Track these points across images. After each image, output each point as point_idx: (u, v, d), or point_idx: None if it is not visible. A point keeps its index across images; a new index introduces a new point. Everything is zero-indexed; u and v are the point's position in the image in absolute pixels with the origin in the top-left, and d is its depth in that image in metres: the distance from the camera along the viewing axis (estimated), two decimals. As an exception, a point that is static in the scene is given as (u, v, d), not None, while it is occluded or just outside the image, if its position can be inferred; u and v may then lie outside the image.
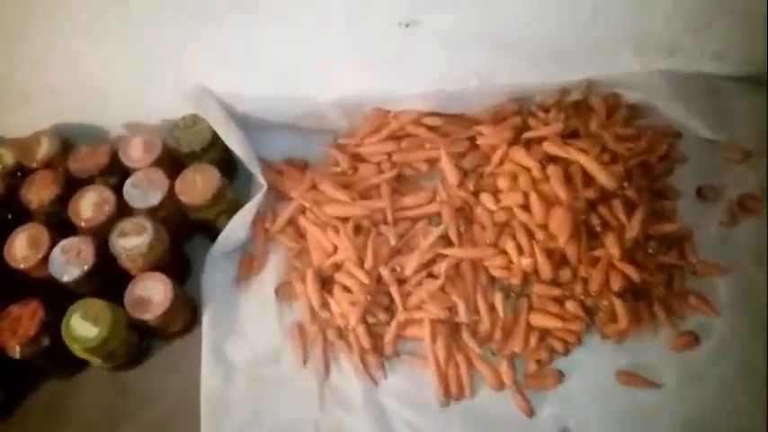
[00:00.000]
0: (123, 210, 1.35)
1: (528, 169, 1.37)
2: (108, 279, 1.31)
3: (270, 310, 1.41)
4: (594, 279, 1.32)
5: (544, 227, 1.32)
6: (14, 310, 1.27)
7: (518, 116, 1.48)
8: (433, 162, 1.49)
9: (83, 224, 1.47)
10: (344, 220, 1.42)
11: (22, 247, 1.32)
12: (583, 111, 1.47)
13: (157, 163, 1.53)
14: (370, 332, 1.35)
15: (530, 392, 1.30)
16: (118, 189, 1.47)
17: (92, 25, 1.27)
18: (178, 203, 1.49)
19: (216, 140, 1.46)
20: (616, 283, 1.31)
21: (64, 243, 1.42)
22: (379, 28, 1.34)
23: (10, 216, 1.37)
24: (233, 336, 1.38)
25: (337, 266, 1.41)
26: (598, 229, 1.35)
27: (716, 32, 1.40)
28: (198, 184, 1.49)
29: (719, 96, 1.49)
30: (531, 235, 1.34)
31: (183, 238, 1.49)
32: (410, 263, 1.36)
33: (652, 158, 1.46)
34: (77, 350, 1.34)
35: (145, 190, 1.48)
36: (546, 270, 1.32)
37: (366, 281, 1.34)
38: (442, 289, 1.35)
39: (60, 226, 1.36)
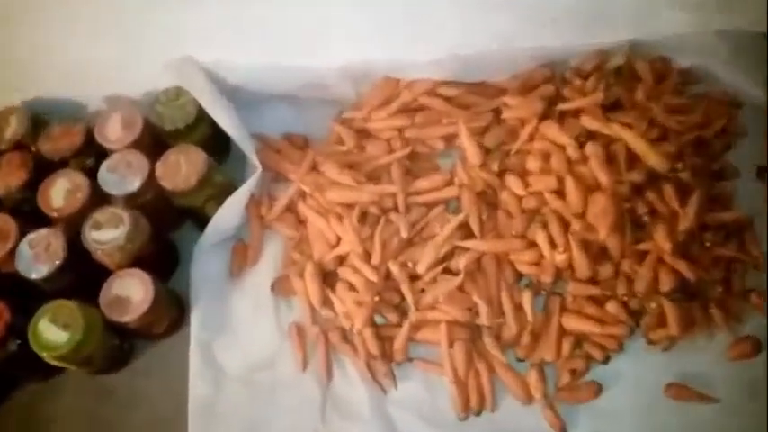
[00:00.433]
0: (98, 197, 1.21)
1: (562, 147, 1.21)
2: (82, 276, 1.17)
3: (266, 308, 1.29)
4: (641, 277, 1.15)
5: (581, 216, 1.17)
6: (-22, 312, 1.10)
7: (550, 84, 1.30)
8: (450, 139, 1.34)
9: (54, 214, 1.30)
10: (349, 206, 1.28)
11: (-13, 241, 1.14)
12: (626, 78, 1.29)
13: (137, 143, 1.37)
14: (378, 335, 1.21)
15: (562, 407, 1.16)
16: (94, 172, 1.30)
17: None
18: (160, 189, 1.32)
19: (203, 116, 1.32)
20: (666, 282, 1.15)
21: (32, 236, 1.26)
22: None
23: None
24: (224, 337, 1.27)
25: (341, 260, 1.27)
26: (645, 218, 1.19)
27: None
28: (182, 168, 1.31)
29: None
30: (565, 225, 1.18)
31: (169, 228, 1.35)
32: (424, 257, 1.21)
33: (708, 133, 1.27)
34: (47, 358, 1.19)
35: (122, 175, 1.32)
36: (583, 266, 1.16)
37: (373, 278, 1.20)
38: (461, 287, 1.21)
39: (31, 216, 1.20)
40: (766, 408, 1.07)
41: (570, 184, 1.17)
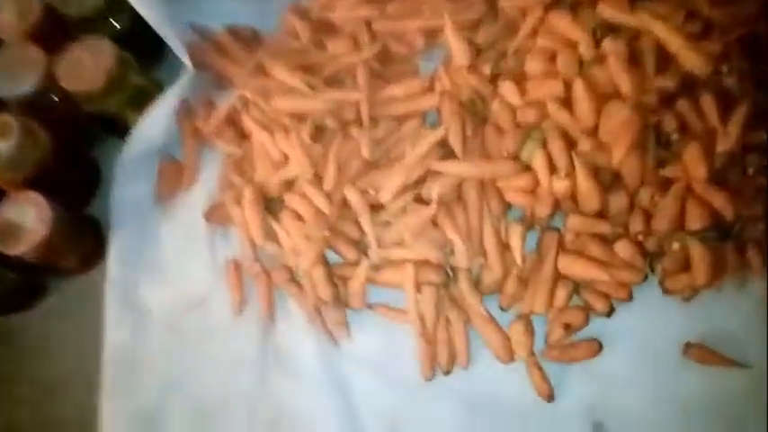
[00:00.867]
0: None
1: (573, 44, 1.01)
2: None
3: (199, 241, 1.12)
4: (663, 211, 0.97)
5: (592, 132, 0.97)
6: None
7: (561, -37, 1.08)
8: (432, 35, 1.14)
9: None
10: (300, 117, 1.08)
11: None
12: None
13: (33, 34, 1.11)
14: (330, 276, 1.04)
15: (551, 367, 0.98)
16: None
17: None
18: (64, 92, 1.05)
19: (120, 2, 1.07)
20: (696, 219, 0.96)
21: None
22: None
23: None
24: (148, 273, 1.12)
25: (289, 184, 1.09)
26: (674, 136, 0.99)
27: None
28: (86, 65, 1.05)
29: None
30: (570, 144, 0.99)
31: (82, 141, 1.11)
32: (390, 182, 1.02)
33: (762, 29, 1.03)
34: None
35: (13, 73, 1.08)
36: (590, 196, 0.97)
37: (325, 207, 1.03)
38: (434, 220, 1.02)
39: None
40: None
41: (580, 91, 0.97)
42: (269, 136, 1.10)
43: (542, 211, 1.00)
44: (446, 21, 1.07)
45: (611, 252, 0.99)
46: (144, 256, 1.13)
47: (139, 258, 1.12)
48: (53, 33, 1.12)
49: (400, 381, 1.01)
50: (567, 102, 0.99)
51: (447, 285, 1.02)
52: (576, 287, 1.00)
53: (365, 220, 1.04)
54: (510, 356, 1.00)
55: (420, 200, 1.04)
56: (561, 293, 0.99)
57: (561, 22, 1.02)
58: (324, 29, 1.17)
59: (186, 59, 1.13)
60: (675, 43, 0.97)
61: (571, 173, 0.97)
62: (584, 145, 0.97)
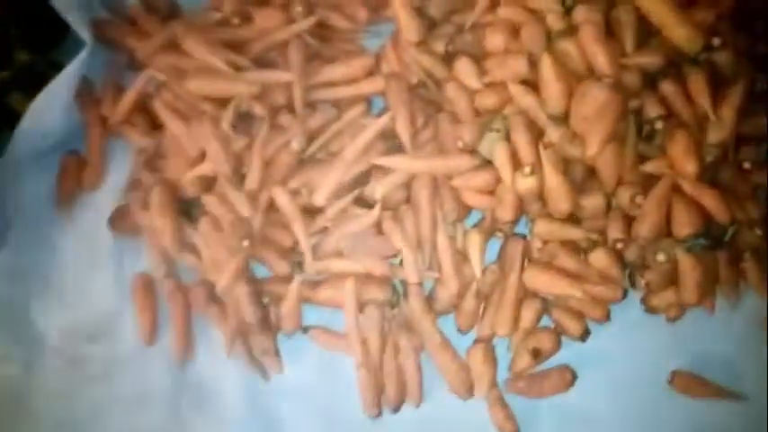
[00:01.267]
0: None
1: (539, 15, 0.91)
2: None
3: (103, 253, 1.02)
4: (646, 214, 0.87)
5: (562, 119, 0.87)
6: None
7: None
8: (378, 6, 1.04)
9: None
10: (221, 103, 0.96)
11: None
12: None
13: None
14: (257, 294, 0.93)
15: (517, 402, 0.90)
16: None
17: None
18: None
19: None
20: (685, 223, 0.86)
21: None
22: None
23: None
24: (43, 293, 1.00)
25: (208, 184, 0.96)
26: (658, 124, 0.89)
27: None
28: None
29: None
30: (536, 134, 0.90)
31: None
32: (326, 181, 0.92)
33: None
34: None
35: None
36: (560, 196, 0.87)
37: (247, 211, 0.91)
38: (379, 226, 0.93)
39: None
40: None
41: (547, 69, 0.87)
42: (184, 125, 0.97)
43: (505, 214, 0.91)
44: None
45: (585, 263, 0.91)
46: (38, 271, 1.01)
47: (32, 275, 1.01)
48: None
49: (340, 419, 0.92)
50: (532, 84, 0.90)
51: (395, 304, 0.93)
52: (546, 305, 0.92)
53: (297, 226, 0.93)
54: (469, 390, 0.90)
55: (362, 202, 0.94)
56: (528, 313, 0.91)
57: None
58: None
59: (85, 32, 1.02)
60: (660, 13, 0.88)
61: (538, 169, 0.87)
62: (553, 135, 0.88)
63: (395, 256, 0.92)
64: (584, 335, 0.89)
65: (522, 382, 0.88)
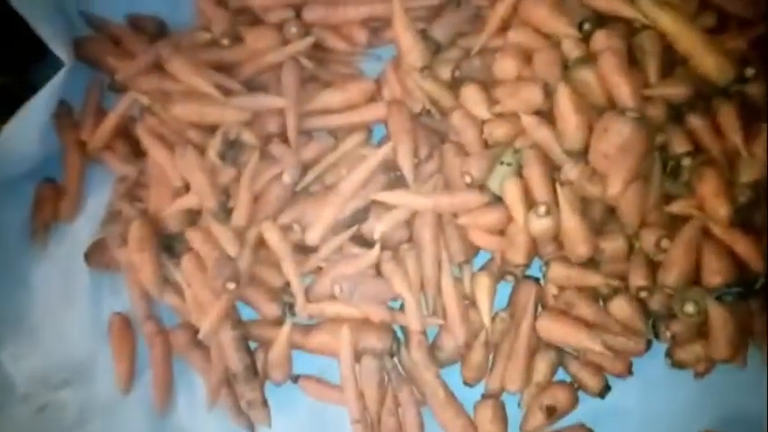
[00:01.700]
0: None
1: (554, 40, 0.85)
2: None
3: (80, 290, 0.96)
4: (673, 260, 0.80)
5: (580, 155, 0.82)
6: None
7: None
8: (378, 28, 0.99)
9: None
10: (208, 129, 0.90)
11: None
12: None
13: None
14: (244, 339, 0.87)
15: None
16: None
17: None
18: None
19: None
20: (717, 272, 0.80)
21: None
22: None
23: None
24: (12, 334, 0.95)
25: (191, 217, 0.90)
26: (686, 161, 0.83)
27: None
28: None
29: None
30: (551, 169, 0.84)
31: None
32: (321, 218, 0.86)
33: None
34: None
35: None
36: (578, 238, 0.81)
37: (232, 249, 0.84)
38: (378, 267, 0.86)
39: None
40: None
41: (565, 101, 0.80)
42: (167, 153, 0.91)
43: (517, 257, 0.84)
44: (395, 6, 0.90)
45: (605, 312, 0.84)
46: (7, 309, 0.96)
47: (1, 314, 0.96)
48: None
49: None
50: (547, 115, 0.83)
51: (395, 353, 0.87)
52: (561, 357, 0.85)
53: (288, 265, 0.87)
54: None
55: (360, 240, 0.88)
56: (541, 366, 0.85)
57: (538, 11, 0.87)
58: (244, 18, 0.99)
59: (63, 51, 0.96)
60: (687, 40, 0.82)
61: (553, 208, 0.80)
62: (571, 172, 0.80)
63: (395, 299, 0.85)
64: (604, 391, 0.83)
65: (534, 442, 0.81)
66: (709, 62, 0.80)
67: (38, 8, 0.93)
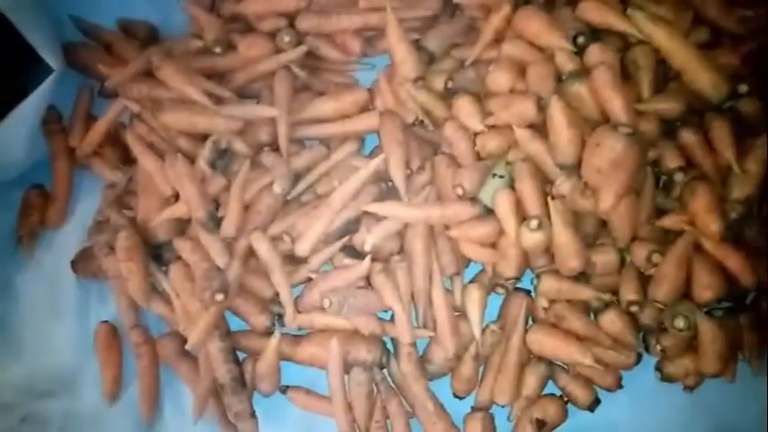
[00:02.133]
0: None
1: (548, 53, 0.84)
2: None
3: (67, 298, 0.95)
4: (664, 275, 0.80)
5: (573, 169, 0.81)
6: None
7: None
8: (373, 37, 0.98)
9: None
10: (198, 138, 0.89)
11: None
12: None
13: None
14: (232, 350, 0.85)
15: None
16: None
17: None
18: None
19: None
20: (707, 287, 0.79)
21: None
22: None
23: None
24: None
25: (180, 226, 0.89)
26: (677, 176, 0.83)
27: None
28: None
29: None
30: (544, 182, 0.83)
31: None
32: (311, 230, 0.84)
33: None
34: None
35: None
36: (569, 252, 0.80)
37: (221, 260, 0.83)
38: (368, 279, 0.85)
39: None
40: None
41: (558, 115, 0.80)
42: (157, 161, 0.89)
43: (508, 270, 0.83)
44: (389, 17, 0.89)
45: (596, 326, 0.83)
46: None
47: None
48: None
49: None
50: (540, 128, 0.82)
51: (384, 365, 0.84)
52: (551, 370, 0.84)
53: (278, 276, 0.85)
54: None
55: (351, 251, 0.87)
56: (531, 379, 0.84)
57: (532, 24, 0.85)
58: (237, 26, 0.98)
59: (52, 57, 0.94)
60: (681, 55, 0.81)
61: (545, 222, 0.78)
62: (563, 186, 0.80)
63: (385, 311, 0.84)
64: (593, 404, 0.82)
65: (523, 456, 0.80)
66: (702, 78, 0.79)
67: (27, 13, 0.92)
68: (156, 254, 0.88)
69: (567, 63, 0.81)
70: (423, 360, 0.83)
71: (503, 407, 0.83)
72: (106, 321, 0.91)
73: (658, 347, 0.81)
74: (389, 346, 0.85)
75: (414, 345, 0.83)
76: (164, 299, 0.87)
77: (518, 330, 0.81)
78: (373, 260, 0.82)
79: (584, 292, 0.80)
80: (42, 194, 0.97)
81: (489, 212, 0.82)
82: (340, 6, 0.95)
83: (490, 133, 0.84)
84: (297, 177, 0.87)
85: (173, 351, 0.86)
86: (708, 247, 0.78)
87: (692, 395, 0.82)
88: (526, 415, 0.81)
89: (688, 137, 0.81)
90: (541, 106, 0.80)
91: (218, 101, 0.90)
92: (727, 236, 0.78)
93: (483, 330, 0.82)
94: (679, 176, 0.80)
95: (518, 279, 0.83)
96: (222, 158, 0.88)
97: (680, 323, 0.76)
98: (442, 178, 0.85)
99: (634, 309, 0.79)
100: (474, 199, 0.83)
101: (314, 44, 0.95)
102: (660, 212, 0.82)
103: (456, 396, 0.84)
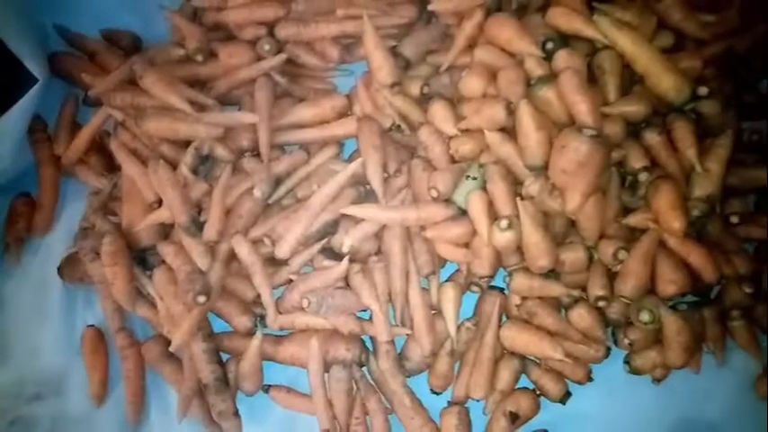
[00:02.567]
0: None
1: (518, 59, 0.85)
2: None
3: (53, 303, 0.95)
4: (630, 271, 0.82)
5: (541, 170, 0.82)
6: None
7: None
8: (350, 43, 1.00)
9: None
10: (181, 144, 0.91)
11: None
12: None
13: None
14: (215, 351, 0.86)
15: None
16: None
17: None
18: None
19: None
20: (671, 282, 0.80)
21: None
22: None
23: None
24: None
25: (164, 230, 0.91)
26: (642, 176, 0.84)
27: None
28: None
29: None
30: (514, 183, 0.85)
31: None
32: (290, 233, 0.85)
33: (743, 45, 0.91)
34: None
35: None
36: (539, 250, 0.81)
37: (203, 262, 0.84)
38: (347, 279, 0.86)
39: None
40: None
41: (526, 119, 0.81)
42: (140, 167, 0.90)
43: (481, 269, 0.85)
44: (366, 25, 0.90)
45: (566, 321, 0.84)
46: None
47: None
48: None
49: (303, 486, 0.84)
50: (511, 131, 0.83)
51: (363, 363, 0.86)
52: (524, 365, 0.86)
53: (259, 278, 0.87)
54: None
55: (330, 253, 0.88)
56: (505, 373, 0.85)
57: (503, 31, 0.87)
58: (219, 34, 1.00)
59: (37, 67, 0.95)
60: (645, 59, 0.83)
61: (515, 221, 0.81)
62: (532, 187, 0.82)
63: (364, 310, 0.85)
64: (565, 397, 0.84)
65: (497, 448, 0.82)
66: (664, 81, 0.81)
67: (12, 24, 0.93)
68: (140, 258, 0.89)
69: (536, 68, 0.83)
70: (400, 357, 0.84)
71: (478, 401, 0.84)
72: (92, 325, 0.91)
73: (626, 341, 0.82)
74: (368, 344, 0.86)
75: (392, 343, 0.84)
76: (148, 302, 0.89)
77: (492, 327, 0.83)
78: (351, 261, 0.84)
79: (555, 289, 0.82)
80: (29, 202, 0.98)
81: (463, 213, 0.84)
82: (318, 15, 0.96)
83: (463, 137, 0.85)
84: (277, 182, 0.89)
85: (158, 353, 0.87)
86: (671, 243, 0.80)
87: (660, 386, 0.84)
88: (500, 408, 0.82)
89: (652, 138, 0.83)
90: (511, 110, 0.81)
91: (200, 108, 0.91)
92: (690, 233, 0.80)
93: (458, 328, 0.84)
94: (644, 176, 0.82)
95: (491, 277, 0.84)
96: (204, 164, 0.89)
97: (645, 317, 0.78)
98: (418, 181, 0.87)
99: (602, 304, 0.81)
100: (448, 201, 0.85)
101: (293, 52, 0.97)
102: (626, 211, 0.83)
103: (433, 392, 0.85)
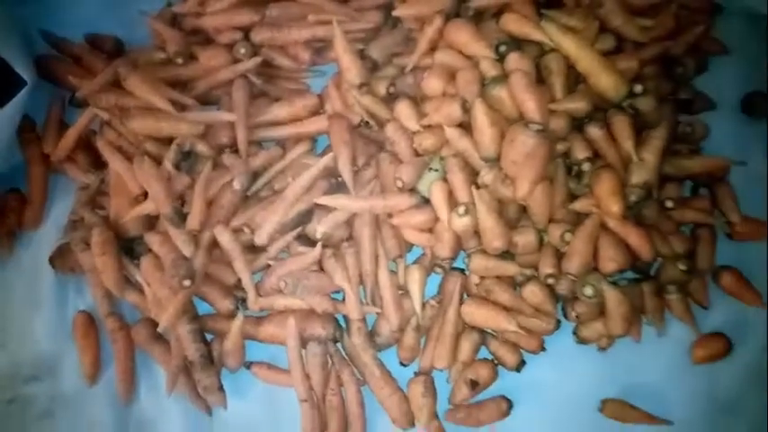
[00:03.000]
0: None
1: (474, 61, 0.92)
2: None
3: (45, 292, 0.99)
4: (574, 251, 0.88)
5: (495, 162, 0.89)
6: None
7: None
8: (321, 47, 1.05)
9: None
10: (164, 141, 0.96)
11: None
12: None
13: None
14: (200, 331, 0.92)
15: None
16: None
17: None
18: None
19: None
20: (611, 259, 0.88)
21: None
22: None
23: None
24: None
25: (150, 221, 0.96)
26: (585, 166, 0.91)
27: None
28: None
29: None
30: (471, 174, 0.90)
31: None
32: (268, 221, 0.91)
33: (678, 47, 0.99)
34: None
35: None
36: (494, 234, 0.87)
37: (187, 250, 0.90)
38: (320, 263, 0.92)
39: None
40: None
41: (480, 116, 0.88)
42: (126, 163, 0.95)
43: (443, 251, 0.91)
44: (335, 29, 0.96)
45: (520, 297, 0.92)
46: None
47: None
48: None
49: (284, 453, 0.89)
50: (466, 127, 0.90)
51: (337, 339, 0.92)
52: (483, 338, 0.92)
53: (239, 264, 0.92)
54: (409, 421, 0.90)
55: (305, 239, 0.94)
56: (466, 346, 0.92)
57: (461, 35, 0.93)
58: (196, 38, 1.05)
59: (23, 71, 0.99)
60: (586, 61, 0.89)
61: (472, 208, 0.88)
62: (486, 176, 0.89)
63: (337, 291, 0.92)
64: (520, 366, 0.90)
65: (461, 412, 0.89)
66: (604, 80, 0.87)
67: (0, 30, 0.97)
68: (127, 248, 0.95)
69: (490, 69, 0.90)
70: (371, 333, 0.91)
71: (442, 371, 0.90)
72: (83, 311, 0.96)
73: (574, 314, 0.89)
74: (341, 322, 0.92)
75: (363, 320, 0.91)
76: (136, 288, 0.94)
77: (453, 304, 0.90)
78: (325, 247, 0.90)
79: (509, 269, 0.89)
80: (19, 198, 1.02)
81: (426, 202, 0.91)
82: (291, 20, 1.01)
83: (426, 133, 0.92)
84: (255, 175, 0.95)
85: (146, 335, 0.93)
86: (612, 225, 0.87)
87: (606, 355, 0.91)
88: (462, 377, 0.89)
89: (594, 131, 0.89)
90: (467, 108, 0.88)
91: (182, 108, 0.96)
92: (629, 216, 0.87)
93: (423, 305, 0.90)
94: (587, 166, 0.89)
95: (453, 259, 0.91)
96: (186, 160, 0.95)
97: (589, 291, 0.85)
98: (385, 173, 0.94)
99: (551, 281, 0.88)
100: (413, 190, 0.91)
101: (268, 55, 1.02)
102: (572, 197, 0.90)
103: (401, 364, 0.92)
